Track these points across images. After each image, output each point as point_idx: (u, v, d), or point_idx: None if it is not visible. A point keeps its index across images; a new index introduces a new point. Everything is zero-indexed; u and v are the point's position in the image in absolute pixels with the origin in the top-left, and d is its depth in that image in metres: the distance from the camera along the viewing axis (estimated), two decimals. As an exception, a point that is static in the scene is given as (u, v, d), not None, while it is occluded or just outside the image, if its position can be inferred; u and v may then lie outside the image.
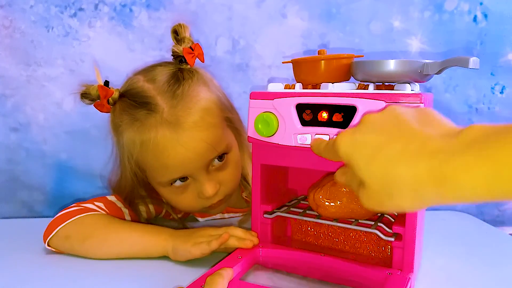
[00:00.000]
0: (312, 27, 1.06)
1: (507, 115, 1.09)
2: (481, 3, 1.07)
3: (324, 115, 0.52)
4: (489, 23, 1.08)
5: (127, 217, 0.74)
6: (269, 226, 0.62)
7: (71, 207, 0.70)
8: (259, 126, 0.55)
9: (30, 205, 1.05)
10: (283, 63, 0.62)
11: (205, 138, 0.64)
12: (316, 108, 0.52)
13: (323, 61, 0.55)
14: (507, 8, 1.08)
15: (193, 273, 0.56)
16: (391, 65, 0.50)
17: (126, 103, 0.66)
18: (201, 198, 0.68)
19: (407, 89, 0.51)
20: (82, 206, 0.70)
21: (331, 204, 0.57)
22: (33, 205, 1.05)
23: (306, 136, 0.52)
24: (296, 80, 0.58)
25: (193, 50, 0.67)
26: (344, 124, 0.50)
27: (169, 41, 1.00)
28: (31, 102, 1.01)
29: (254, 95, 0.57)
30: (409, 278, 0.50)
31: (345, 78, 0.56)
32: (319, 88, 0.55)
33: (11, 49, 0.99)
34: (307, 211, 0.61)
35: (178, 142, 0.63)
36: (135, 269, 0.62)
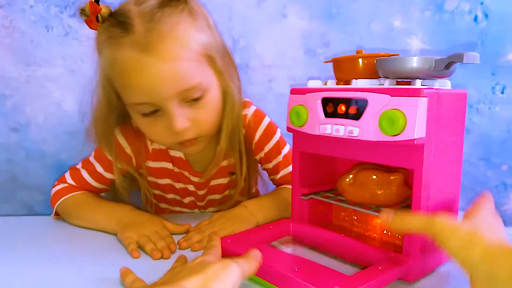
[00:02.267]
0: (312, 27, 1.06)
1: (508, 115, 1.09)
2: (481, 3, 1.07)
3: (343, 107, 0.56)
4: (490, 23, 1.08)
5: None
6: (306, 208, 0.68)
7: (61, 183, 0.82)
8: (292, 117, 0.63)
9: (30, 205, 1.05)
10: (325, 62, 0.67)
11: (173, 68, 0.63)
12: (336, 101, 0.58)
13: (360, 59, 0.60)
14: (507, 8, 1.08)
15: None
16: (404, 62, 0.53)
17: (109, 21, 0.66)
18: (171, 133, 0.68)
19: (417, 84, 0.53)
20: (65, 185, 0.82)
21: (355, 189, 0.62)
22: (33, 205, 1.05)
23: (326, 126, 0.58)
24: (335, 77, 0.64)
25: None
26: (357, 116, 0.55)
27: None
28: (31, 102, 1.01)
29: (292, 91, 0.66)
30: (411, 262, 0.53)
31: (378, 76, 0.59)
32: (350, 85, 0.60)
33: (10, 49, 0.99)
34: (339, 197, 0.66)
35: (145, 66, 0.63)
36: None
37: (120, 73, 0.65)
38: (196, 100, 0.67)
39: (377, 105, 0.52)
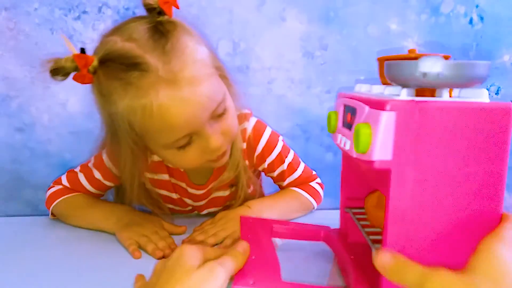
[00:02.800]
0: (310, 30, 1.08)
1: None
2: (477, 6, 1.08)
3: (349, 116, 0.49)
4: (485, 25, 1.09)
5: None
6: (343, 219, 0.63)
7: (57, 184, 0.82)
8: (327, 122, 0.56)
9: (34, 204, 1.06)
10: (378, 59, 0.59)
11: (205, 90, 0.61)
12: (347, 109, 0.50)
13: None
14: (502, 11, 1.09)
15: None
16: (389, 68, 0.46)
17: (111, 68, 0.59)
18: (207, 153, 0.66)
19: (444, 95, 0.45)
20: (60, 186, 0.82)
21: (376, 211, 0.55)
22: (38, 204, 1.06)
23: (337, 136, 0.51)
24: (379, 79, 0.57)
25: None
26: (350, 126, 0.48)
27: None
28: (36, 103, 1.03)
29: (338, 95, 0.57)
30: None
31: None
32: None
33: (15, 51, 1.01)
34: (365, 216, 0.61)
35: (181, 99, 0.59)
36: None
37: (157, 116, 0.59)
38: (220, 111, 0.65)
39: (359, 116, 0.45)
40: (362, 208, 0.61)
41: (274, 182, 0.89)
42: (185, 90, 0.59)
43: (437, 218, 0.43)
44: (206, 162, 0.68)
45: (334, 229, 0.65)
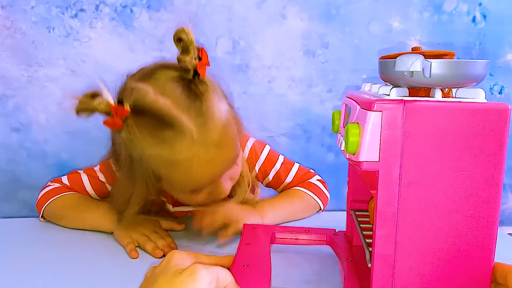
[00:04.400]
0: (311, 28, 1.07)
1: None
2: (480, 4, 1.08)
3: (346, 117, 0.49)
4: (488, 23, 1.08)
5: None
6: (349, 221, 0.64)
7: (55, 182, 0.82)
8: (331, 122, 0.55)
9: (31, 205, 1.05)
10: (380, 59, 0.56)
11: (231, 151, 0.66)
12: (347, 109, 0.50)
13: None
14: (506, 9, 1.08)
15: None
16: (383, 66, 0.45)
17: (144, 121, 0.60)
18: (214, 195, 0.70)
19: (436, 94, 0.44)
20: (58, 185, 0.81)
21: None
22: (35, 205, 1.05)
23: (338, 135, 0.51)
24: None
25: (201, 59, 0.62)
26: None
27: (170, 42, 1.01)
28: (32, 103, 1.02)
29: (344, 94, 0.56)
30: None
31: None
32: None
33: (12, 50, 1.00)
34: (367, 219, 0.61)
35: (210, 161, 0.63)
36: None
37: (185, 172, 0.63)
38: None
39: (352, 116, 0.45)
40: (366, 210, 0.61)
41: (274, 188, 0.89)
42: (213, 152, 0.63)
43: (427, 222, 0.42)
44: (210, 201, 0.71)
45: (341, 231, 0.65)
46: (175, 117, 0.60)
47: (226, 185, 0.70)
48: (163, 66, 0.65)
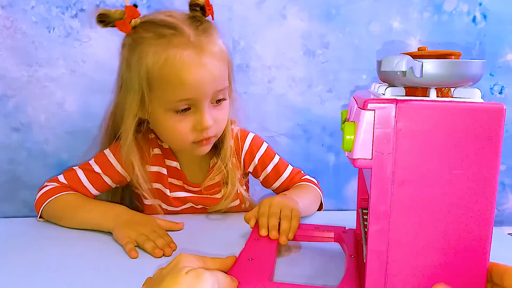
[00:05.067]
0: (311, 28, 1.07)
1: (506, 116, 1.09)
2: (480, 4, 1.08)
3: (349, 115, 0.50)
4: (488, 23, 1.08)
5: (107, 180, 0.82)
6: (358, 219, 0.64)
7: (52, 182, 0.82)
8: (341, 121, 0.56)
9: (31, 205, 1.04)
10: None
11: (219, 67, 0.72)
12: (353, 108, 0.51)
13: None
14: (506, 9, 1.08)
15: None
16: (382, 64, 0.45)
17: (151, 25, 0.71)
18: (196, 130, 0.73)
19: (431, 94, 0.44)
20: (55, 184, 0.81)
21: None
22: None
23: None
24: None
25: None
26: None
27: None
28: (33, 103, 1.02)
29: (354, 93, 0.58)
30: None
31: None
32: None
33: (12, 50, 1.00)
34: None
35: (200, 63, 0.69)
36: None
37: (172, 69, 0.69)
38: (219, 101, 0.75)
39: (351, 115, 0.46)
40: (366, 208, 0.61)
41: (271, 182, 0.89)
42: (205, 58, 0.70)
43: (420, 220, 0.42)
44: (192, 145, 0.75)
45: (350, 229, 0.66)
46: (176, 24, 0.70)
47: (209, 119, 0.72)
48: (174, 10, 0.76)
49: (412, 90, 0.46)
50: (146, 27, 0.71)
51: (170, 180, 0.83)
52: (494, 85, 1.11)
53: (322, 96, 1.10)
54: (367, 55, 1.07)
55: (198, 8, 0.74)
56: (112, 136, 0.81)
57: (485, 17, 1.08)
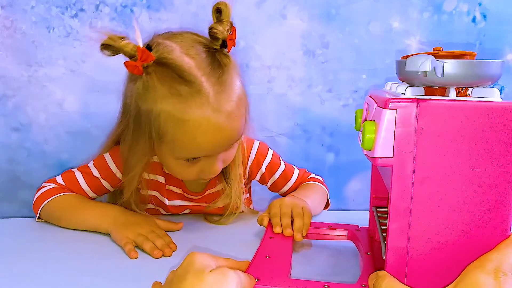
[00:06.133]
0: (311, 28, 1.07)
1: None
2: (480, 4, 1.07)
3: (366, 115, 0.51)
4: (488, 23, 1.08)
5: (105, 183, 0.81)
6: (372, 217, 0.65)
7: (49, 183, 0.81)
8: (355, 121, 0.57)
9: (31, 205, 1.05)
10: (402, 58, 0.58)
11: (237, 126, 0.67)
12: (369, 108, 0.52)
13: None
14: (505, 9, 1.08)
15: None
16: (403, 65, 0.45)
17: (166, 73, 0.62)
18: (204, 173, 0.71)
19: (451, 94, 0.45)
20: (53, 185, 0.80)
21: None
22: (34, 205, 1.05)
23: (359, 133, 0.51)
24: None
25: (231, 34, 0.65)
26: None
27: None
28: (32, 102, 1.02)
29: (368, 93, 0.59)
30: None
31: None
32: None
33: (12, 50, 1.00)
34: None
35: (217, 127, 0.64)
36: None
37: (188, 133, 0.64)
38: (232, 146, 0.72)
39: (370, 114, 0.47)
40: (387, 207, 0.61)
41: (277, 189, 0.89)
42: (223, 121, 0.64)
43: (440, 217, 0.43)
44: (198, 178, 0.72)
45: (363, 227, 0.67)
46: (195, 77, 0.62)
47: (219, 165, 0.70)
48: (191, 32, 0.68)
49: (431, 90, 0.46)
50: (160, 75, 0.62)
51: (168, 187, 0.82)
52: (494, 85, 1.11)
53: (322, 96, 1.10)
54: (367, 55, 1.07)
55: (218, 43, 0.64)
56: (115, 142, 0.80)
57: (485, 17, 1.08)
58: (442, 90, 0.46)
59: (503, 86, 1.12)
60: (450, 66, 0.42)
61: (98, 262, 0.64)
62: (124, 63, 0.63)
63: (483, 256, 0.42)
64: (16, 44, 1.00)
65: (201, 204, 0.84)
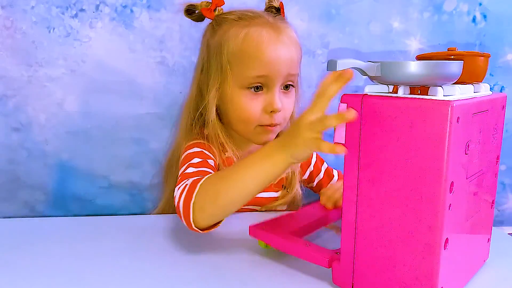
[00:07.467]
0: (311, 28, 1.07)
1: (506, 115, 1.09)
2: (480, 4, 1.08)
3: None
4: (488, 23, 1.08)
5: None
6: None
7: (182, 185, 0.65)
8: None
9: (31, 205, 1.06)
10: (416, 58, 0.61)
11: (294, 51, 0.79)
12: None
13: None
14: (506, 9, 1.08)
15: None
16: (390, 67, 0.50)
17: (233, 15, 0.79)
18: (266, 112, 0.77)
19: (438, 93, 0.47)
20: (193, 179, 0.65)
21: None
22: (35, 205, 1.05)
23: None
24: None
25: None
26: None
27: (170, 42, 1.01)
28: (33, 102, 1.02)
29: None
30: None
31: (477, 79, 0.53)
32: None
33: (12, 50, 1.00)
34: None
35: (279, 40, 0.76)
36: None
37: (252, 43, 0.75)
38: (287, 88, 0.80)
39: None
40: None
41: (318, 188, 0.96)
42: (283, 38, 0.77)
43: (380, 200, 0.49)
44: (256, 129, 0.78)
45: None
46: (257, 12, 0.79)
47: (279, 103, 0.76)
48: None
49: (415, 89, 0.51)
50: (227, 13, 0.80)
51: None
52: (494, 85, 1.11)
53: (322, 96, 1.10)
54: (367, 55, 1.07)
55: (274, 10, 0.82)
56: (190, 124, 0.83)
57: (485, 17, 1.08)
58: (423, 89, 0.49)
59: (503, 86, 1.12)
60: (396, 68, 0.49)
61: (98, 262, 0.64)
62: (201, 10, 0.82)
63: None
64: (16, 44, 0.99)
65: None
